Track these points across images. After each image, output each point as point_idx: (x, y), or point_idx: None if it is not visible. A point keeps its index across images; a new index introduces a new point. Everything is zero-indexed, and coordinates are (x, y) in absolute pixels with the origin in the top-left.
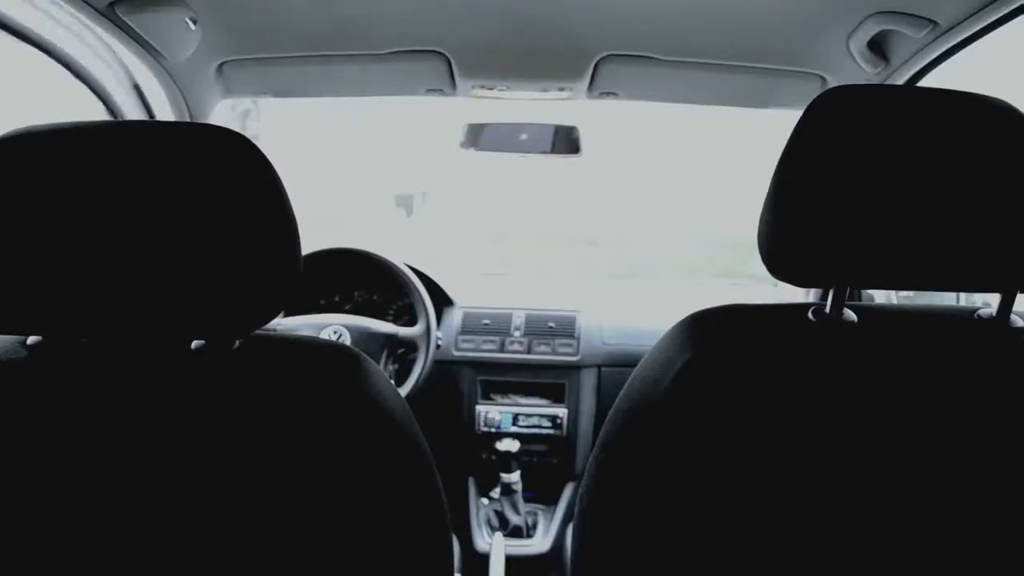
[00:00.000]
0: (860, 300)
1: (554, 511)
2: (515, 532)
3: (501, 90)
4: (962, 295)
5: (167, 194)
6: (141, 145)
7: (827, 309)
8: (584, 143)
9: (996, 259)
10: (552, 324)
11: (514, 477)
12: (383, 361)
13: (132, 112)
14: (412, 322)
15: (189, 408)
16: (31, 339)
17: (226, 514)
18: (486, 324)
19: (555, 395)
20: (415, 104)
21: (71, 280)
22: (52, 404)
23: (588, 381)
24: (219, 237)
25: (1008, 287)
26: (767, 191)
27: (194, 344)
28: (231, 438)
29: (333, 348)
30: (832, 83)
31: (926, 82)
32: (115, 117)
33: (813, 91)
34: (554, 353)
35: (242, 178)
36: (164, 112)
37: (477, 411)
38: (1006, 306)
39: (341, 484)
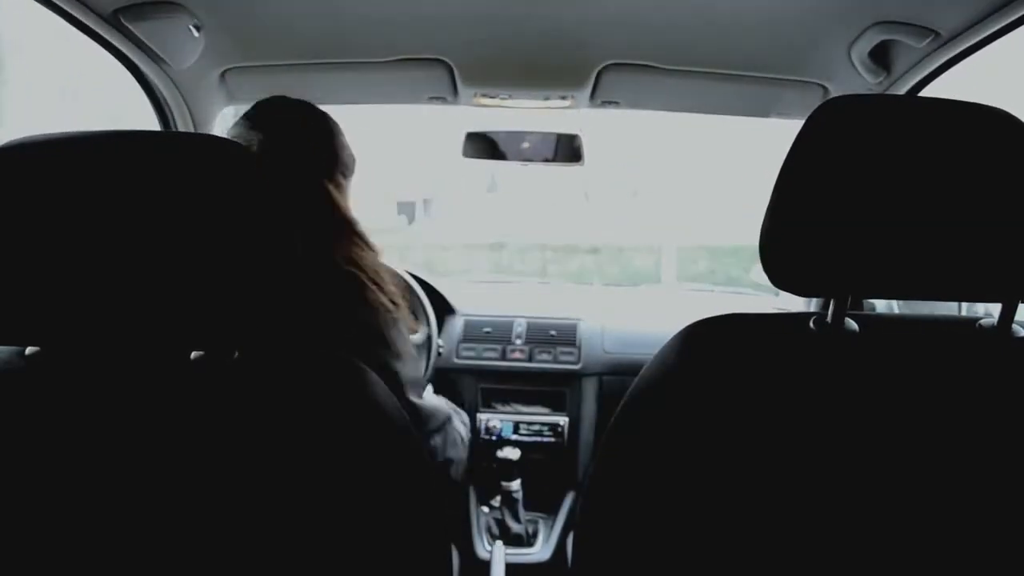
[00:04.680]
0: (861, 309)
1: (554, 520)
2: (515, 540)
3: (503, 98)
4: (964, 304)
5: (164, 204)
6: (139, 156)
7: (828, 318)
8: (586, 150)
9: (997, 268)
10: (553, 332)
11: (515, 485)
12: None
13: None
14: (413, 330)
15: (189, 419)
16: (29, 350)
17: (226, 523)
18: (487, 332)
19: (556, 403)
20: (418, 112)
21: (69, 291)
22: (50, 415)
23: (589, 390)
24: (216, 247)
25: (1009, 297)
26: (769, 200)
27: (193, 355)
28: (231, 449)
29: (333, 358)
30: (834, 92)
31: (927, 92)
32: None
33: (815, 100)
34: (555, 361)
35: (237, 188)
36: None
37: (478, 419)
38: (1007, 315)
39: (340, 492)
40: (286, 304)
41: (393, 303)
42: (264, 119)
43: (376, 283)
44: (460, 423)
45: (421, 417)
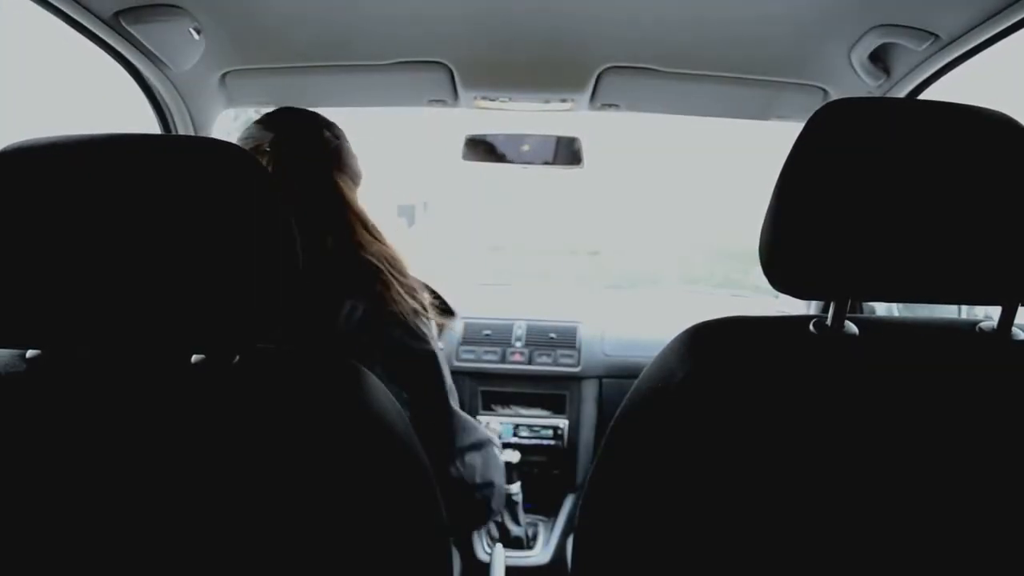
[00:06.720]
0: (861, 312)
1: (554, 522)
2: (515, 543)
3: (503, 101)
4: (964, 307)
5: (166, 207)
6: (140, 158)
7: (828, 321)
8: (585, 153)
9: (997, 272)
10: (553, 335)
11: (514, 488)
12: None
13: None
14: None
15: (189, 422)
16: (30, 353)
17: (226, 525)
18: (487, 335)
19: (556, 406)
20: (417, 115)
21: (70, 294)
22: (51, 418)
23: (589, 392)
24: (218, 251)
25: (1009, 300)
26: (769, 203)
27: (194, 358)
28: (231, 452)
29: (333, 361)
30: (834, 95)
31: (927, 95)
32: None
33: (815, 103)
34: (555, 364)
35: (240, 191)
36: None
37: (478, 421)
38: (1007, 319)
39: (341, 495)
40: (289, 307)
41: (414, 294)
42: (275, 121)
43: (395, 274)
44: (498, 449)
45: (456, 427)
